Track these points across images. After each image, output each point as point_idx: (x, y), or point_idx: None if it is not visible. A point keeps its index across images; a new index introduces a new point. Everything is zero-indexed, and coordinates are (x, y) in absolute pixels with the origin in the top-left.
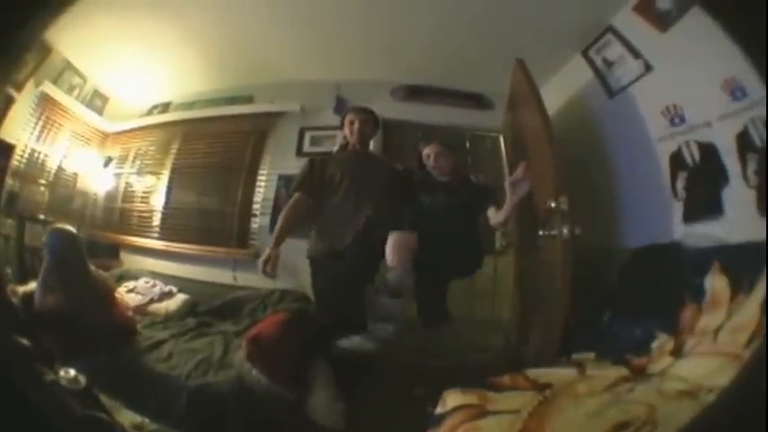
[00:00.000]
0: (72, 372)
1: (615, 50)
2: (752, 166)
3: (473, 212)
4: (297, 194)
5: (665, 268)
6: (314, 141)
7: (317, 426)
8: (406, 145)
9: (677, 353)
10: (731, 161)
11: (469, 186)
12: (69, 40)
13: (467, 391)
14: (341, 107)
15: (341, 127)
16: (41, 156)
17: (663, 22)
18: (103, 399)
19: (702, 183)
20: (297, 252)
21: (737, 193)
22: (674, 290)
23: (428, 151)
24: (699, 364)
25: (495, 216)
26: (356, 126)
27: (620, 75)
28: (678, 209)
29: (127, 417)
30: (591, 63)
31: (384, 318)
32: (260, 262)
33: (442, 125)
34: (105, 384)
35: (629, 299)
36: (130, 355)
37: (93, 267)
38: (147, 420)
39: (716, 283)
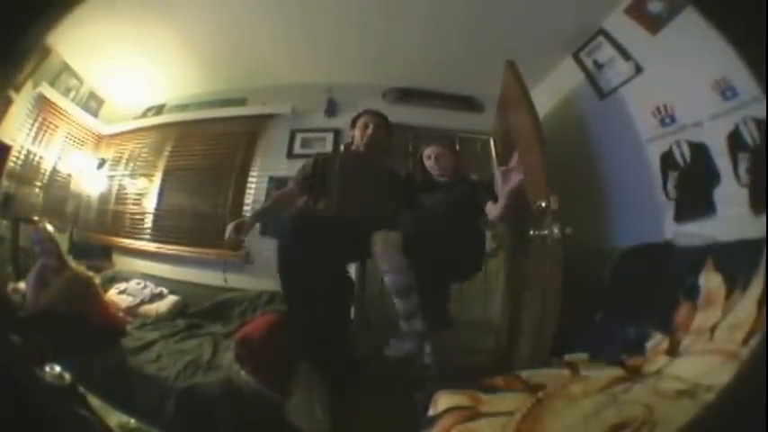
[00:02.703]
0: (57, 368)
1: (606, 53)
2: (743, 165)
3: (473, 209)
4: (292, 186)
5: (658, 267)
6: (305, 143)
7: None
8: (397, 147)
9: (673, 352)
10: (722, 160)
11: (468, 183)
12: (68, 41)
13: (459, 393)
14: (332, 109)
15: (352, 126)
16: (37, 157)
17: (654, 24)
18: (92, 399)
19: (694, 182)
20: None
21: (730, 192)
22: (667, 289)
23: (429, 152)
24: (696, 362)
25: (492, 210)
26: (370, 130)
27: (611, 76)
28: (670, 208)
29: (114, 416)
30: (581, 65)
31: (404, 316)
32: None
33: (432, 127)
34: (94, 385)
35: (622, 298)
36: (120, 356)
37: (74, 265)
38: (132, 421)
39: (710, 280)
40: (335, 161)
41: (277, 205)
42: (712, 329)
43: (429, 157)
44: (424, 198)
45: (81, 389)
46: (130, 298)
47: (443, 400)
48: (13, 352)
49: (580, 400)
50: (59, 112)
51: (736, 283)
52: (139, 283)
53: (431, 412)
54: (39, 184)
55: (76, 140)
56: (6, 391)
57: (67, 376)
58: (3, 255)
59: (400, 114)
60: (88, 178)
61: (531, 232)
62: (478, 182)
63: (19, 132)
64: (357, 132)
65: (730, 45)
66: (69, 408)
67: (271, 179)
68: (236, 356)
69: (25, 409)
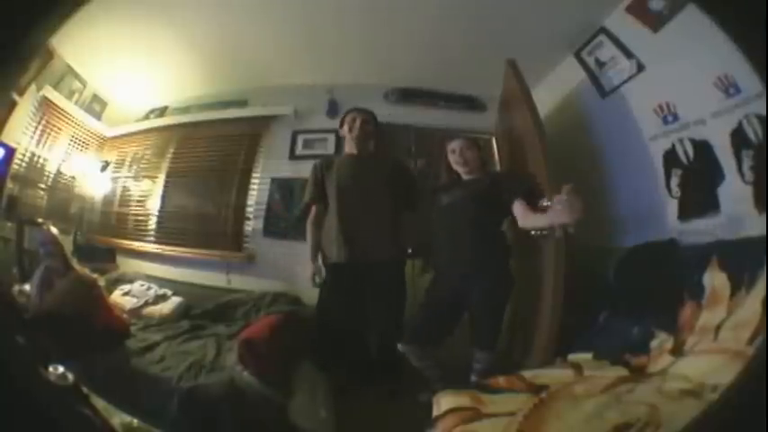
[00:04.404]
0: (60, 368)
1: (608, 51)
2: (747, 162)
3: (497, 205)
4: (313, 208)
5: (662, 266)
6: (306, 144)
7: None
8: (399, 147)
9: (678, 351)
10: (726, 158)
11: (493, 175)
12: (70, 44)
13: (461, 393)
14: (334, 110)
15: (340, 126)
16: (41, 160)
17: (655, 21)
18: (96, 399)
19: (698, 180)
20: (289, 255)
21: (734, 190)
22: (671, 287)
23: (453, 146)
24: (701, 362)
25: (524, 215)
26: (357, 124)
27: (613, 75)
28: (674, 206)
29: (117, 417)
30: (583, 64)
31: None
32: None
33: (434, 127)
34: (98, 385)
35: (626, 297)
36: (124, 357)
37: (78, 267)
38: (135, 421)
39: (715, 279)
40: (334, 165)
41: (315, 234)
42: (717, 329)
43: (453, 151)
44: (443, 197)
45: (84, 389)
46: (134, 299)
47: (446, 401)
48: (18, 352)
49: (583, 400)
50: (63, 115)
51: (740, 282)
52: (143, 285)
53: (434, 413)
54: (43, 186)
55: (80, 143)
56: (11, 391)
57: (70, 376)
58: (7, 256)
59: (402, 114)
60: (92, 180)
61: (534, 231)
62: (502, 173)
63: (23, 135)
64: (345, 128)
65: (732, 42)
66: (72, 407)
67: (273, 180)
68: (239, 357)
69: (29, 408)
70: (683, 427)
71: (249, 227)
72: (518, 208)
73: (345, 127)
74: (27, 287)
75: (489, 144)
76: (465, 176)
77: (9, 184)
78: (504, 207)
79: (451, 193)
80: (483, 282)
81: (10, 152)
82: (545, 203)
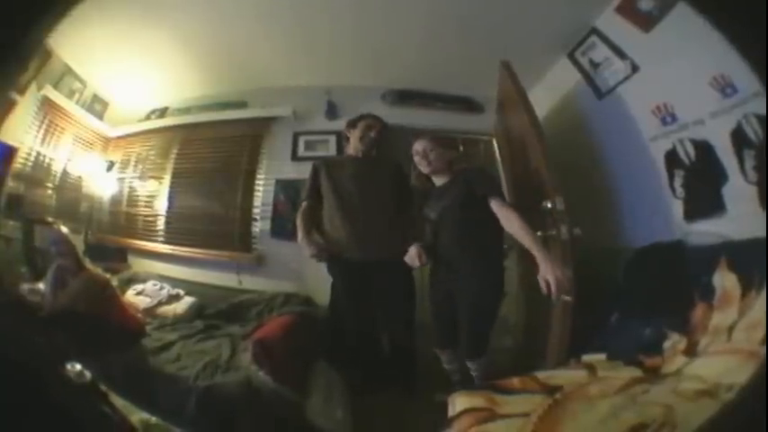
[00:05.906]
0: (78, 366)
1: (601, 52)
2: (749, 162)
3: (481, 207)
4: (304, 203)
5: (670, 266)
6: (308, 146)
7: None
8: (397, 149)
9: (691, 352)
10: (728, 158)
11: (461, 178)
12: (69, 44)
13: (475, 394)
14: (332, 112)
15: (351, 128)
16: (46, 159)
17: (646, 21)
18: (114, 397)
19: (701, 180)
20: (298, 256)
21: (738, 190)
22: (680, 288)
23: (416, 147)
24: (715, 362)
25: (507, 218)
26: (373, 134)
27: (608, 76)
28: (679, 207)
29: (136, 414)
30: (577, 65)
31: None
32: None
33: (432, 129)
34: (116, 384)
35: (636, 298)
36: (140, 356)
37: (90, 266)
38: (154, 418)
39: (725, 280)
40: (336, 166)
41: (305, 226)
42: (730, 329)
43: (417, 152)
44: (429, 212)
45: (102, 387)
46: (148, 299)
47: (461, 401)
48: (36, 350)
49: (598, 401)
50: (65, 115)
51: (751, 283)
52: (156, 285)
53: (449, 413)
54: (50, 185)
55: (84, 142)
56: (30, 388)
57: (88, 374)
58: (12, 255)
59: (400, 116)
60: (98, 180)
61: (540, 233)
62: (470, 172)
63: (26, 134)
64: (358, 133)
65: (726, 40)
66: (91, 405)
67: (277, 182)
68: (253, 357)
69: (48, 405)
70: (698, 427)
71: (257, 228)
72: (498, 208)
73: (358, 132)
74: (41, 286)
75: (456, 144)
76: (435, 180)
77: (11, 183)
78: (482, 205)
79: (434, 206)
80: (471, 287)
81: (9, 151)
82: (547, 205)
